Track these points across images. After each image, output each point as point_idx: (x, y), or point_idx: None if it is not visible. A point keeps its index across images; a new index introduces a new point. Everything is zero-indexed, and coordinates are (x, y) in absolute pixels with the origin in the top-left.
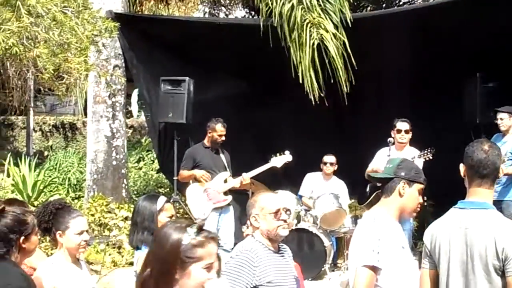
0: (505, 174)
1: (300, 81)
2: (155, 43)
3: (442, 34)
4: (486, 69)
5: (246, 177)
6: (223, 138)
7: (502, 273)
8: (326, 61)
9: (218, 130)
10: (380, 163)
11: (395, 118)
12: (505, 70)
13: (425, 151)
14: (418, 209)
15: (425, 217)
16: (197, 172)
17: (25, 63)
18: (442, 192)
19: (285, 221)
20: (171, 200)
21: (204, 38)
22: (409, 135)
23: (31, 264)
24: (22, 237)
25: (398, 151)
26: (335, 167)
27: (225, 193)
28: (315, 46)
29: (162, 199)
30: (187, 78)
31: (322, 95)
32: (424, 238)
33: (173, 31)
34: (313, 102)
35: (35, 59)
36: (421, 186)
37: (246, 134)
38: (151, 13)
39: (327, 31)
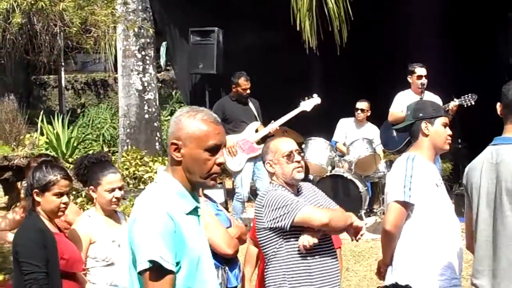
0: None
1: (298, 29)
2: None
3: None
4: None
5: (276, 125)
6: (248, 91)
7: None
8: (325, 9)
9: (242, 84)
10: (400, 106)
11: (410, 64)
12: None
13: (466, 97)
14: (449, 140)
15: (460, 159)
16: (227, 143)
17: (52, 17)
18: (477, 134)
19: (298, 162)
20: None
21: None
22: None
23: (67, 219)
24: (36, 190)
25: (423, 95)
26: (368, 113)
27: (258, 143)
28: None
29: None
30: (216, 28)
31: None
32: (463, 179)
33: None
34: (307, 51)
35: (62, 13)
36: (444, 119)
37: (276, 82)
38: None
39: None
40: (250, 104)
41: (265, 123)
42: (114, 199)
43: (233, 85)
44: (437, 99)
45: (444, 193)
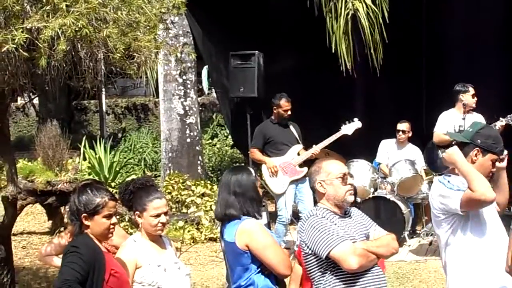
0: None
1: (333, 51)
2: (222, 18)
3: None
4: None
5: (317, 148)
6: (289, 112)
7: None
8: (362, 32)
9: (283, 105)
10: (445, 126)
11: (461, 83)
12: None
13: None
14: (489, 177)
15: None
16: (268, 163)
17: (95, 44)
18: None
19: (352, 185)
20: None
21: (269, 11)
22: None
23: (113, 243)
24: (84, 214)
25: (466, 114)
26: (409, 134)
27: (300, 166)
28: (349, 17)
29: (253, 170)
30: (256, 52)
31: (350, 66)
32: None
33: (238, 5)
34: (344, 73)
35: (105, 39)
36: (495, 156)
37: (316, 105)
38: None
39: (362, 2)
40: (291, 127)
41: (306, 146)
42: (159, 225)
43: (274, 106)
44: (481, 118)
45: (493, 211)
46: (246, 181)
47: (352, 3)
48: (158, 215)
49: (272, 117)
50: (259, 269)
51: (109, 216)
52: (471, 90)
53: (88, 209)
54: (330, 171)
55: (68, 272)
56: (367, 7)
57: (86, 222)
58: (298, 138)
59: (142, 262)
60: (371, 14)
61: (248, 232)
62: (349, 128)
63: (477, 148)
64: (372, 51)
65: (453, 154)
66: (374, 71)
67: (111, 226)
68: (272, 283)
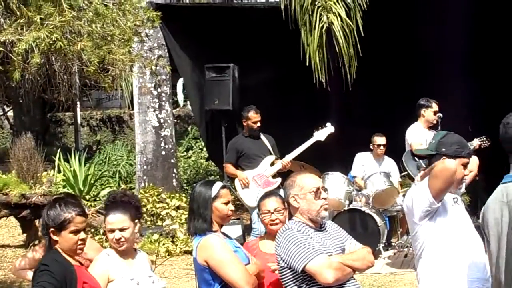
0: None
1: (307, 64)
2: (197, 31)
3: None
4: None
5: (290, 157)
6: (258, 124)
7: None
8: (336, 45)
9: (252, 117)
10: (419, 138)
11: (424, 98)
12: None
13: (482, 138)
14: (465, 181)
15: (477, 192)
16: (239, 175)
17: (70, 57)
18: (494, 166)
19: (325, 199)
20: None
21: (244, 23)
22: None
23: (87, 257)
24: (52, 229)
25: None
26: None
27: (274, 176)
28: (323, 30)
29: (217, 185)
30: (231, 64)
31: (323, 79)
32: (480, 219)
33: (213, 18)
34: (318, 86)
35: (80, 52)
36: (464, 160)
37: (292, 117)
38: (191, 2)
39: (337, 16)
40: (263, 138)
41: (281, 158)
42: (114, 240)
43: (244, 119)
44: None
45: (462, 210)
46: (198, 196)
47: (326, 16)
48: (111, 230)
49: (244, 131)
50: (221, 285)
51: (76, 232)
52: (434, 107)
53: (55, 224)
54: (303, 186)
55: None
56: (341, 20)
57: (54, 237)
58: (271, 149)
59: (114, 276)
60: (345, 27)
61: (206, 247)
62: (322, 134)
63: (444, 157)
64: (346, 65)
65: (422, 175)
66: (348, 85)
67: (79, 242)
68: None
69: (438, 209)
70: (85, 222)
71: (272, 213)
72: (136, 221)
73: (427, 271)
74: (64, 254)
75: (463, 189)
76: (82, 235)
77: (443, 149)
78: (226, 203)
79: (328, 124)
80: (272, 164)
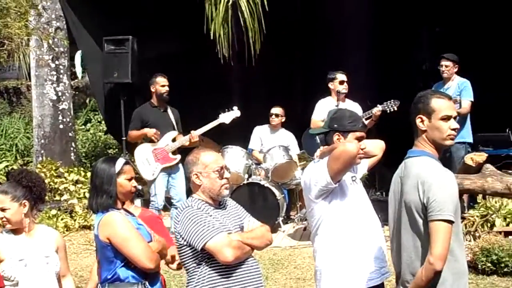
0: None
1: (211, 38)
2: (96, 2)
3: None
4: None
5: (195, 134)
6: (167, 88)
7: (424, 218)
8: (241, 20)
9: (160, 82)
10: (322, 114)
11: (330, 71)
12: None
13: (389, 103)
14: (360, 155)
15: (376, 166)
16: (148, 131)
17: None
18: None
19: (227, 179)
20: None
21: None
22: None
23: None
24: None
25: (340, 102)
26: (283, 119)
27: (174, 153)
28: (229, 4)
29: (120, 161)
30: (130, 37)
31: (227, 54)
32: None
33: None
34: (222, 60)
35: None
36: (358, 134)
37: (192, 90)
38: None
39: None
40: (169, 112)
41: (183, 133)
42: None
43: (151, 85)
44: (357, 107)
45: (361, 189)
46: (102, 172)
47: None
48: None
49: (152, 100)
50: (123, 262)
51: None
52: (339, 77)
53: None
54: (207, 164)
55: None
56: None
57: None
58: (175, 124)
59: (4, 255)
60: (251, 2)
61: (109, 224)
62: (227, 116)
63: (337, 133)
64: (251, 40)
65: (321, 151)
66: (250, 59)
67: None
68: (141, 277)
69: (335, 189)
70: None
71: None
72: (24, 201)
73: (323, 249)
74: None
75: (365, 171)
76: None
77: (335, 125)
78: (130, 179)
79: (235, 108)
80: (174, 140)
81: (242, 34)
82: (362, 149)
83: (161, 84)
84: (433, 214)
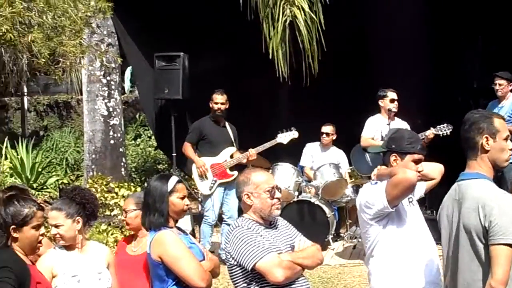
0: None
1: (270, 57)
2: (147, 19)
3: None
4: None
5: (253, 152)
6: (221, 107)
7: (485, 242)
8: (299, 39)
9: (215, 98)
10: (372, 131)
11: (381, 88)
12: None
13: (442, 127)
14: (419, 178)
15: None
16: (197, 162)
17: (20, 48)
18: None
19: (278, 199)
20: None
21: (195, 11)
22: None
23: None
24: (13, 226)
25: (391, 121)
26: (334, 137)
27: (231, 169)
28: (287, 23)
29: (173, 179)
30: (181, 53)
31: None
32: (437, 217)
33: (163, 6)
34: (281, 79)
35: (30, 44)
36: (416, 156)
37: (243, 107)
38: None
39: (300, 9)
40: (228, 128)
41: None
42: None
43: (210, 101)
44: (405, 126)
45: (417, 211)
46: (154, 190)
47: (290, 10)
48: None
49: (211, 114)
50: (175, 281)
51: (37, 227)
52: (390, 95)
53: (16, 220)
54: (258, 184)
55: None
56: (305, 14)
57: (14, 234)
58: (233, 140)
59: (57, 271)
60: (308, 21)
61: (160, 243)
62: (285, 137)
63: (394, 154)
64: (309, 60)
65: (378, 172)
66: (307, 79)
67: (40, 238)
68: None
69: (391, 212)
70: (43, 217)
71: None
72: (78, 218)
73: (378, 272)
74: (19, 252)
75: (422, 193)
76: (42, 230)
77: (393, 146)
78: (182, 198)
79: (293, 129)
80: (232, 156)
81: (300, 53)
82: (419, 172)
83: (215, 101)
84: (495, 238)
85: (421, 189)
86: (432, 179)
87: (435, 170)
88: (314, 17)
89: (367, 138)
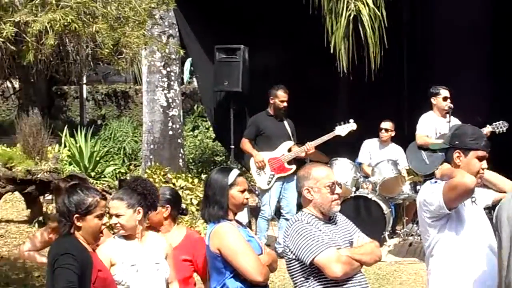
0: None
1: (332, 51)
2: (208, 10)
3: None
4: None
5: (311, 146)
6: (285, 104)
7: None
8: (362, 34)
9: (280, 96)
10: (427, 129)
11: (434, 86)
12: None
13: (498, 124)
14: (481, 174)
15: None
16: (256, 156)
17: (84, 39)
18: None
19: (338, 194)
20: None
21: (256, 4)
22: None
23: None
24: (76, 215)
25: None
26: (392, 133)
27: (289, 163)
28: (351, 18)
29: (234, 172)
30: (242, 46)
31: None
32: (493, 218)
33: None
34: (341, 74)
35: (94, 34)
36: (479, 153)
37: (303, 101)
38: None
39: (364, 4)
40: (286, 122)
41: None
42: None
43: (271, 97)
44: (458, 123)
45: (480, 211)
46: (215, 183)
47: (354, 4)
48: (108, 215)
49: (268, 109)
50: (232, 274)
51: (100, 216)
52: (443, 93)
53: (80, 209)
54: (319, 179)
55: (69, 274)
56: (369, 9)
57: (78, 223)
58: (291, 134)
59: (116, 260)
60: (372, 16)
61: (219, 235)
62: (344, 129)
63: (457, 150)
64: (372, 55)
65: (441, 170)
66: (370, 74)
67: (103, 227)
68: None
69: (452, 213)
70: (106, 206)
71: None
72: (139, 208)
73: (438, 271)
74: (82, 240)
75: (489, 202)
76: (105, 219)
77: (456, 142)
78: (242, 191)
79: (351, 121)
80: (289, 150)
81: (362, 49)
82: (482, 169)
83: (281, 99)
84: None
85: (488, 198)
86: (503, 191)
87: (507, 183)
88: (377, 12)
89: (422, 136)
